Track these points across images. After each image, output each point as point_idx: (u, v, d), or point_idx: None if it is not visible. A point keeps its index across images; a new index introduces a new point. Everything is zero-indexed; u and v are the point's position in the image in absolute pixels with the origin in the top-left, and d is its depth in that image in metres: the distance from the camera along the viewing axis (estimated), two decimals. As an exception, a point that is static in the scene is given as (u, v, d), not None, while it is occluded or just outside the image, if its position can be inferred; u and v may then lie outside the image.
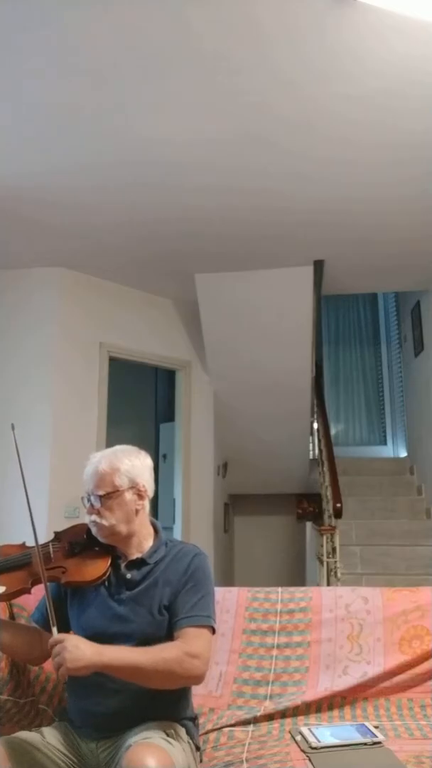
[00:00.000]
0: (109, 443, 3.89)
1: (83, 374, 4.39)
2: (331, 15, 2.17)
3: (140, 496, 1.70)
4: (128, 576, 1.67)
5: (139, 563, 1.68)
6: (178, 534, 4.83)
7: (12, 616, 1.91)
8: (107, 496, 1.64)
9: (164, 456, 5.76)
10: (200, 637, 1.58)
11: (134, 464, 1.70)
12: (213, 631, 1.63)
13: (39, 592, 1.71)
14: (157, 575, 1.66)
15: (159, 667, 1.49)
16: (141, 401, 6.44)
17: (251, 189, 3.34)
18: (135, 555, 1.69)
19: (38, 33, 2.26)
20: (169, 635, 1.61)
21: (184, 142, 2.92)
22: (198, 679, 1.57)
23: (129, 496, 1.67)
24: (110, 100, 2.64)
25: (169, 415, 5.78)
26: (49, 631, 1.53)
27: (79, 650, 1.44)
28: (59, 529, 1.79)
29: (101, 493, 1.65)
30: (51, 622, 1.52)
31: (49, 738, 1.57)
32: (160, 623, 1.62)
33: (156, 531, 1.76)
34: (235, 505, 6.61)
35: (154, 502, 1.77)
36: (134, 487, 1.68)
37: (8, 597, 1.63)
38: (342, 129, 2.83)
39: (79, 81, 2.52)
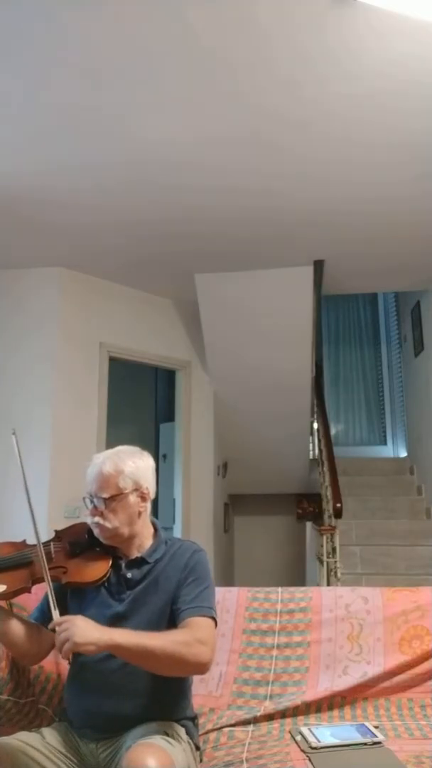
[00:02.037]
0: (109, 443, 3.90)
1: (83, 374, 4.39)
2: (330, 15, 2.17)
3: (143, 498, 1.69)
4: (128, 575, 1.67)
5: (139, 562, 1.68)
6: (178, 534, 4.83)
7: (12, 616, 1.91)
8: (111, 498, 1.64)
9: (164, 456, 5.76)
10: (205, 626, 1.57)
11: (138, 466, 1.70)
12: (215, 623, 1.62)
13: (39, 591, 1.71)
14: (157, 574, 1.66)
15: (168, 649, 1.48)
16: (141, 401, 6.44)
17: (251, 189, 3.34)
18: (135, 555, 1.69)
19: (38, 33, 2.26)
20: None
21: (184, 142, 2.92)
22: (204, 666, 1.54)
23: (132, 498, 1.67)
24: (110, 100, 2.63)
25: (169, 415, 5.78)
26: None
27: (88, 627, 1.44)
28: (58, 529, 1.79)
29: (105, 495, 1.64)
30: (52, 605, 1.51)
31: (49, 738, 1.57)
32: (162, 621, 1.61)
33: (155, 530, 1.76)
34: (235, 505, 6.61)
35: (154, 502, 1.77)
36: (138, 489, 1.68)
37: (9, 596, 1.62)
38: (342, 129, 2.83)
39: (79, 81, 2.51)
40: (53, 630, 1.47)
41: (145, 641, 1.47)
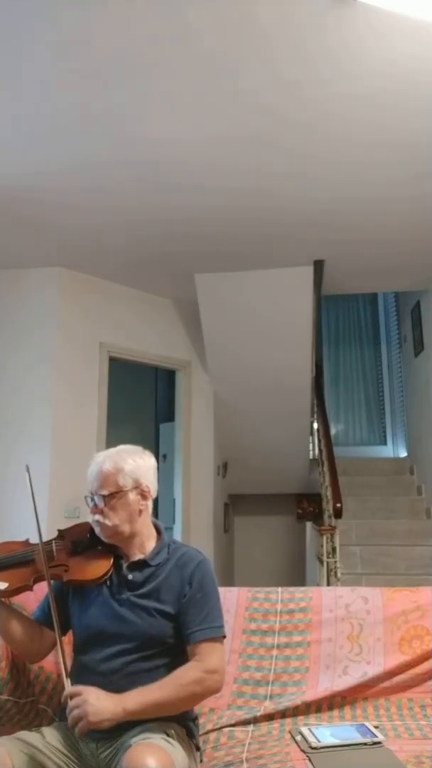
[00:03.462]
0: (109, 443, 3.90)
1: (83, 374, 4.39)
2: (331, 15, 2.17)
3: (144, 496, 1.70)
4: (130, 577, 1.67)
5: (142, 564, 1.68)
6: (178, 534, 4.83)
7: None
8: (111, 496, 1.65)
9: (164, 456, 5.76)
10: (215, 651, 1.60)
11: (138, 464, 1.70)
12: (224, 638, 1.65)
13: (40, 590, 1.72)
14: (159, 580, 1.66)
15: (181, 695, 1.52)
16: (141, 401, 6.44)
17: (251, 189, 3.34)
18: (137, 556, 1.69)
19: (38, 33, 2.26)
20: (169, 637, 1.62)
21: (184, 142, 2.92)
22: (218, 691, 1.61)
23: (132, 496, 1.67)
24: (110, 101, 2.63)
25: (169, 415, 5.78)
26: (51, 628, 1.53)
27: (101, 703, 1.44)
28: (59, 528, 1.79)
29: (105, 493, 1.65)
30: (64, 673, 1.51)
31: (49, 738, 1.56)
32: (161, 626, 1.62)
33: (159, 532, 1.76)
34: (235, 505, 6.61)
35: (154, 502, 1.77)
36: (138, 487, 1.68)
37: (10, 594, 1.63)
38: (342, 129, 2.83)
39: (79, 81, 2.51)
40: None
41: (158, 697, 1.50)
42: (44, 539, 1.67)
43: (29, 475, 1.70)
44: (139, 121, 2.77)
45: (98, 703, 1.43)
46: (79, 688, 1.48)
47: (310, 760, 1.58)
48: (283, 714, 1.90)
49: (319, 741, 1.65)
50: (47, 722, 1.75)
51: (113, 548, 1.69)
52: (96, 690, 1.48)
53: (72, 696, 1.45)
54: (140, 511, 1.69)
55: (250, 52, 2.36)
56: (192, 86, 2.54)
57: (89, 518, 1.69)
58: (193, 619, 1.61)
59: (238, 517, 6.83)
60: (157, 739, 1.46)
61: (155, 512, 1.81)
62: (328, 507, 4.72)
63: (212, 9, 2.15)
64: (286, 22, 2.22)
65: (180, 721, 1.62)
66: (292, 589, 2.19)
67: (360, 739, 1.67)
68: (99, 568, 1.66)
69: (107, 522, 1.64)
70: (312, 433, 6.17)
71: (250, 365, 5.01)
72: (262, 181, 3.26)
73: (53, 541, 1.73)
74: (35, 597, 1.79)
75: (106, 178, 3.25)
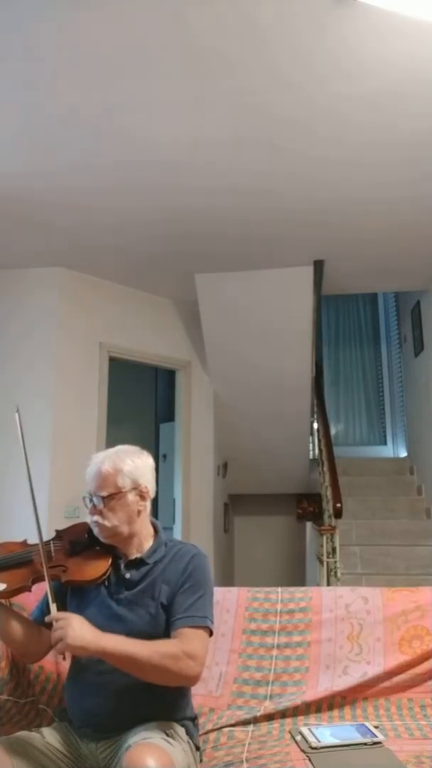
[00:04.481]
0: (109, 443, 3.89)
1: (83, 374, 4.39)
2: (330, 15, 2.17)
3: (142, 497, 1.70)
4: (127, 576, 1.67)
5: (138, 563, 1.68)
6: (178, 534, 4.83)
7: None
8: (110, 497, 1.64)
9: (164, 456, 5.76)
10: (197, 638, 1.57)
11: (137, 465, 1.70)
12: (210, 632, 1.62)
13: (39, 590, 1.72)
14: (155, 575, 1.66)
15: (153, 660, 1.49)
16: (141, 401, 6.44)
17: (251, 189, 3.34)
18: (135, 555, 1.69)
19: (38, 33, 2.26)
20: (167, 634, 1.61)
21: (184, 142, 2.92)
22: (191, 680, 1.56)
23: (131, 497, 1.67)
24: (110, 101, 2.63)
25: (169, 415, 5.78)
26: (50, 628, 1.53)
27: (82, 630, 1.46)
28: (58, 528, 1.79)
29: (104, 494, 1.64)
30: (50, 599, 1.53)
31: (49, 738, 1.57)
32: (159, 623, 1.61)
33: (156, 531, 1.76)
34: (235, 505, 6.61)
35: (154, 502, 1.77)
36: (137, 488, 1.68)
37: (9, 594, 1.63)
38: (342, 129, 2.83)
39: (79, 81, 2.51)
40: (50, 623, 1.48)
41: (133, 650, 1.49)
42: (43, 539, 1.67)
43: (19, 417, 1.67)
44: (138, 121, 2.77)
45: (79, 629, 1.45)
46: (65, 613, 1.51)
47: (310, 760, 1.58)
48: (283, 714, 1.90)
49: (319, 741, 1.65)
50: (47, 722, 1.76)
51: (111, 548, 1.69)
52: (80, 618, 1.50)
53: (57, 619, 1.47)
54: (139, 512, 1.69)
55: (250, 52, 2.36)
56: (192, 86, 2.54)
57: (88, 519, 1.69)
58: (179, 607, 1.61)
59: (238, 517, 6.83)
60: (157, 739, 1.46)
61: (155, 512, 1.81)
62: (328, 507, 4.72)
63: (212, 9, 2.15)
64: (286, 23, 2.22)
65: (180, 721, 1.62)
66: (292, 589, 2.20)
67: (360, 739, 1.67)
68: (97, 568, 1.66)
69: (106, 523, 1.64)
70: (312, 433, 6.17)
71: (250, 365, 5.01)
72: (263, 181, 3.26)
73: (51, 542, 1.72)
74: (35, 597, 1.79)
75: (106, 178, 3.25)
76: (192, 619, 1.59)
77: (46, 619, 1.51)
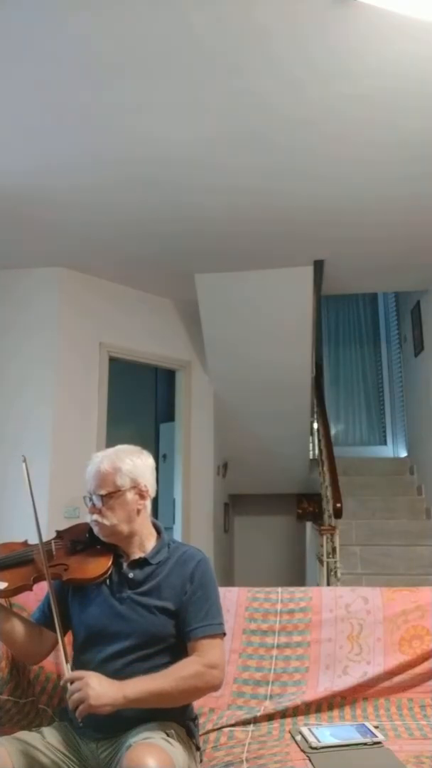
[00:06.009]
0: (109, 443, 3.89)
1: (83, 374, 4.39)
2: (332, 15, 2.17)
3: (142, 495, 1.70)
4: (130, 575, 1.67)
5: (142, 563, 1.69)
6: (178, 534, 4.83)
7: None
8: (109, 495, 1.65)
9: (164, 456, 5.76)
10: (215, 647, 1.60)
11: (136, 464, 1.70)
12: (224, 635, 1.65)
13: (40, 590, 1.72)
14: (160, 578, 1.66)
15: (181, 687, 1.52)
16: (141, 401, 6.44)
17: (252, 188, 3.34)
18: (137, 554, 1.70)
19: (39, 33, 2.26)
20: (170, 636, 1.62)
21: (185, 141, 2.92)
22: (218, 688, 1.61)
23: (130, 495, 1.67)
24: (110, 99, 2.63)
25: (169, 415, 5.77)
26: (51, 629, 1.53)
27: (102, 687, 1.44)
28: (59, 528, 1.79)
29: (103, 492, 1.65)
30: (63, 659, 1.51)
31: (49, 738, 1.57)
32: (161, 623, 1.62)
33: (158, 532, 1.76)
34: (235, 505, 6.61)
35: (154, 502, 1.78)
36: (136, 486, 1.69)
37: (10, 593, 1.63)
38: (343, 128, 2.82)
39: (79, 80, 2.51)
40: (65, 685, 1.46)
41: (158, 687, 1.50)
42: (43, 539, 1.67)
43: (26, 466, 1.70)
44: (138, 120, 2.77)
45: (99, 688, 1.43)
46: (81, 672, 1.49)
47: (310, 760, 1.58)
48: (283, 714, 1.90)
49: (319, 741, 1.65)
50: (47, 722, 1.75)
51: (113, 547, 1.70)
52: (97, 675, 1.48)
53: (73, 680, 1.45)
54: (138, 511, 1.69)
55: (252, 51, 2.36)
56: (193, 85, 2.54)
57: (88, 518, 1.69)
58: (194, 616, 1.62)
59: (238, 517, 6.83)
60: (157, 739, 1.46)
61: (155, 512, 1.82)
62: (328, 507, 4.72)
63: (214, 8, 2.15)
64: (288, 22, 2.21)
65: (180, 721, 1.62)
66: (292, 589, 2.20)
67: (360, 739, 1.67)
68: (99, 566, 1.66)
69: (105, 521, 1.65)
70: (312, 433, 6.17)
71: (250, 365, 5.01)
72: (263, 180, 3.26)
73: (52, 541, 1.73)
74: (35, 597, 1.79)
75: (106, 178, 3.25)
76: (209, 628, 1.62)
77: (62, 682, 1.49)
